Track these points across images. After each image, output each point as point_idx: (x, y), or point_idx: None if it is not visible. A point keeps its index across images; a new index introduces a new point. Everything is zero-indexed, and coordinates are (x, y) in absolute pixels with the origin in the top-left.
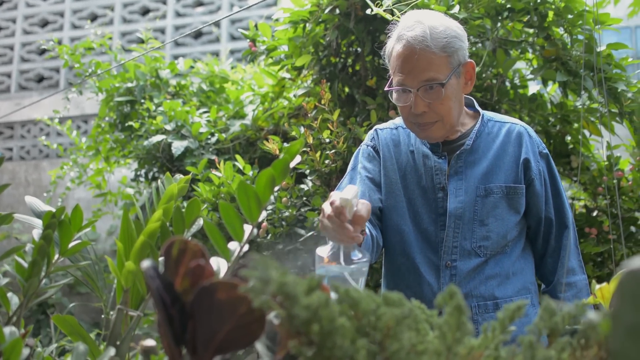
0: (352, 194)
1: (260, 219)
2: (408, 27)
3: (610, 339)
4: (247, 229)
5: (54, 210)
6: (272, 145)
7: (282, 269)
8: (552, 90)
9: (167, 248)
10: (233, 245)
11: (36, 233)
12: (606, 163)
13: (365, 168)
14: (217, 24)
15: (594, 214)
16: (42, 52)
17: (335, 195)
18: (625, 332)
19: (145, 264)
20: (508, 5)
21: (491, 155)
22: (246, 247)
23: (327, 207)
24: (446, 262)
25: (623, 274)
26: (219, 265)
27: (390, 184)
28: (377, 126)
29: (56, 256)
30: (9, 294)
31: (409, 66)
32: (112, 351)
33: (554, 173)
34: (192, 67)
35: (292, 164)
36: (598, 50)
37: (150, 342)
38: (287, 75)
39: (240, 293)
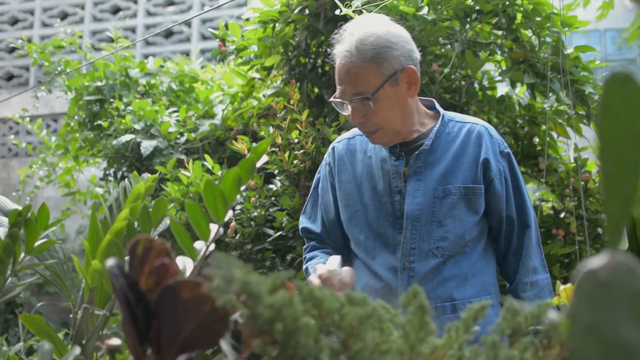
0: (336, 264)
1: (226, 219)
2: (341, 40)
3: (569, 338)
4: (214, 228)
5: (20, 208)
6: (241, 145)
7: (245, 268)
8: (521, 92)
9: (132, 247)
10: (199, 245)
11: (2, 231)
12: (573, 165)
13: (323, 188)
14: (187, 23)
15: (562, 215)
16: (12, 50)
17: (322, 268)
18: (583, 331)
19: (110, 262)
20: (477, 7)
21: (450, 155)
22: (212, 246)
23: (314, 279)
24: (404, 264)
25: (581, 274)
26: (185, 264)
27: (346, 197)
28: (334, 141)
29: (22, 255)
30: None
31: (340, 80)
32: (77, 350)
33: (515, 172)
34: (161, 66)
35: (258, 164)
36: (566, 52)
37: (115, 341)
38: (257, 75)
39: (204, 292)
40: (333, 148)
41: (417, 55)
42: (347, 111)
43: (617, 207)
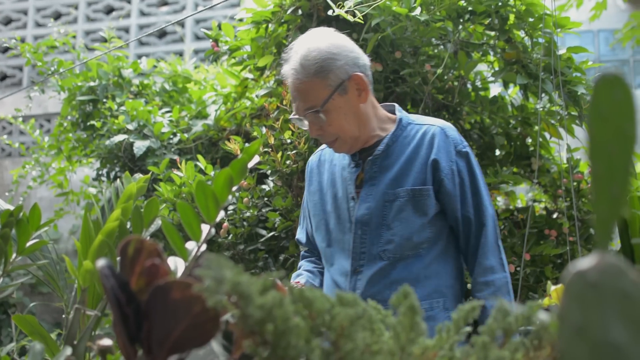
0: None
1: (218, 219)
2: (287, 59)
3: (558, 339)
4: (205, 228)
5: (12, 208)
6: (234, 145)
7: (236, 268)
8: (513, 93)
9: (123, 247)
10: (191, 245)
11: None
12: (566, 165)
13: (305, 201)
14: (181, 23)
15: (554, 216)
16: (5, 50)
17: None
18: (572, 332)
19: (100, 263)
20: (469, 8)
21: (403, 159)
22: (204, 247)
23: None
24: (355, 268)
25: (570, 275)
26: (177, 264)
27: (314, 207)
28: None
29: (14, 255)
30: None
31: (293, 97)
32: (68, 350)
33: (473, 171)
34: (155, 66)
35: (250, 164)
36: (558, 53)
37: (106, 342)
38: (250, 76)
39: (195, 292)
40: (308, 163)
41: (364, 61)
42: (305, 126)
43: (607, 207)
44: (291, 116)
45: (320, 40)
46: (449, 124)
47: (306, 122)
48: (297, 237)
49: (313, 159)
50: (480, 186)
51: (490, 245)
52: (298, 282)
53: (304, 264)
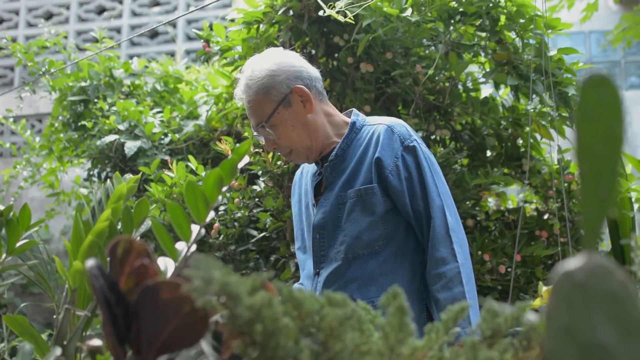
0: None
1: (208, 220)
2: (238, 82)
3: (545, 338)
4: (195, 229)
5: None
6: (225, 146)
7: (224, 268)
8: (504, 94)
9: (112, 247)
10: (181, 246)
11: None
12: (557, 166)
13: None
14: (173, 24)
15: (545, 216)
16: None
17: None
18: (559, 333)
19: (90, 263)
20: (460, 9)
21: (354, 160)
22: (194, 247)
23: None
24: (316, 271)
25: (558, 275)
26: (167, 265)
27: (295, 218)
28: None
29: (4, 255)
30: None
31: (248, 116)
32: (58, 351)
33: (421, 164)
34: (146, 67)
35: (240, 165)
36: (549, 54)
37: (96, 342)
38: None
39: (184, 293)
40: (295, 176)
41: (310, 73)
42: (263, 142)
43: (594, 208)
44: (254, 134)
45: (263, 61)
46: (399, 121)
47: (262, 138)
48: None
49: (298, 172)
50: (427, 179)
51: (439, 236)
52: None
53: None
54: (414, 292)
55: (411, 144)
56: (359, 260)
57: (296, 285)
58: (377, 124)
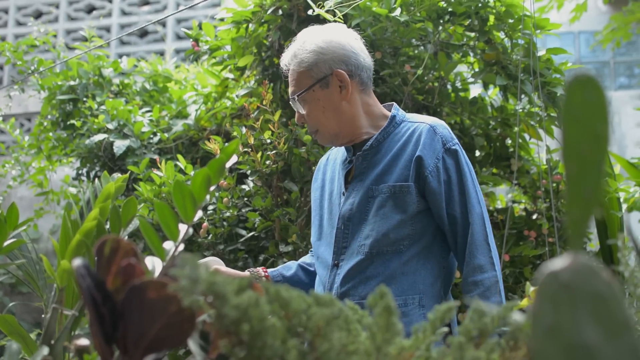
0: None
1: (196, 219)
2: (289, 47)
3: (530, 338)
4: (183, 228)
5: None
6: (214, 145)
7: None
8: (493, 94)
9: (99, 247)
10: (168, 245)
11: None
12: (545, 167)
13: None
14: (162, 23)
15: (534, 217)
16: None
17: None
18: (544, 333)
19: (76, 262)
20: (449, 9)
21: (390, 155)
22: (181, 247)
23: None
24: (335, 262)
25: (543, 275)
26: (155, 264)
27: (314, 202)
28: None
29: None
30: None
31: (288, 82)
32: (45, 350)
33: (461, 169)
34: (135, 66)
35: (228, 164)
36: (538, 54)
37: (83, 342)
38: (230, 76)
39: (170, 292)
40: (320, 161)
41: (359, 60)
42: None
43: (579, 208)
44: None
45: (318, 35)
46: (441, 122)
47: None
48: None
49: (323, 158)
50: (468, 184)
51: (478, 243)
52: (264, 269)
53: (306, 257)
54: (434, 295)
55: (453, 147)
56: (382, 257)
57: (293, 268)
58: (418, 122)
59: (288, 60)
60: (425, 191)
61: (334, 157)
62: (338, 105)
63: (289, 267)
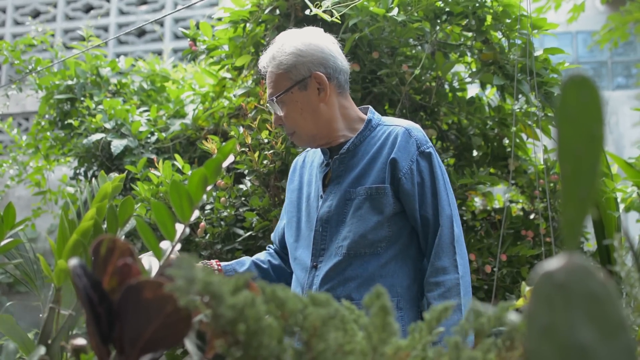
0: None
1: (193, 219)
2: (267, 49)
3: (526, 338)
4: (180, 228)
5: None
6: (211, 145)
7: (207, 268)
8: (491, 94)
9: (96, 247)
10: (165, 245)
11: None
12: (542, 166)
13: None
14: (160, 22)
15: (531, 216)
16: None
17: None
18: (539, 333)
19: (73, 262)
20: (447, 9)
21: (367, 158)
22: (178, 246)
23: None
24: (314, 264)
25: (538, 276)
26: (151, 264)
27: (289, 204)
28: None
29: None
30: None
31: (267, 85)
32: (42, 350)
33: (435, 172)
34: (133, 65)
35: (225, 164)
36: (535, 54)
37: (80, 341)
38: (228, 75)
39: (167, 292)
40: (294, 161)
41: (337, 63)
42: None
43: (574, 209)
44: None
45: (296, 37)
46: (416, 125)
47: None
48: (272, 235)
49: (299, 158)
50: (439, 187)
51: (444, 246)
52: (218, 262)
53: (261, 253)
54: (411, 298)
55: (427, 150)
56: (360, 259)
57: (261, 255)
58: (394, 125)
59: (266, 62)
60: (400, 193)
61: (311, 160)
62: (316, 107)
63: (243, 263)
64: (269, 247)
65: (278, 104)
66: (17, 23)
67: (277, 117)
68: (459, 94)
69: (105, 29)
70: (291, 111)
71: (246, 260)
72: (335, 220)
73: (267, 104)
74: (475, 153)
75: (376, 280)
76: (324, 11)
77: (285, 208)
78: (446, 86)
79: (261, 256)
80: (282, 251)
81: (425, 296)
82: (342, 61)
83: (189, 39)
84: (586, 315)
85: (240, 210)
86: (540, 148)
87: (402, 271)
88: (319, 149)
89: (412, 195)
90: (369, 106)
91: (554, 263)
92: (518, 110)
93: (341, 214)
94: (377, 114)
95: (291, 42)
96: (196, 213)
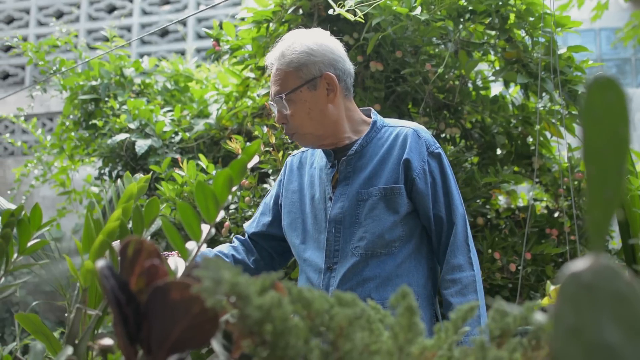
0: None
1: (218, 219)
2: (274, 47)
3: (552, 340)
4: (205, 228)
5: (14, 208)
6: (235, 144)
7: (234, 269)
8: (514, 92)
9: (123, 248)
10: (191, 245)
11: None
12: (567, 164)
13: (270, 194)
14: (183, 22)
15: (555, 215)
16: (7, 49)
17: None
18: (566, 333)
19: (100, 263)
20: (470, 8)
21: (377, 159)
22: (204, 247)
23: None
24: (328, 265)
25: (565, 276)
26: (177, 265)
27: (290, 204)
28: (290, 154)
29: (15, 255)
30: None
31: (271, 81)
32: (69, 350)
33: (445, 172)
34: (156, 65)
35: (250, 164)
36: (558, 52)
37: (107, 341)
38: (251, 75)
39: (194, 293)
40: (287, 161)
41: (345, 66)
42: (276, 112)
43: (600, 209)
44: (270, 101)
45: (306, 37)
46: (421, 127)
47: (276, 109)
48: (245, 226)
49: (293, 159)
50: (451, 186)
51: (459, 243)
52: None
53: (224, 246)
54: (426, 297)
55: (436, 151)
56: (376, 259)
57: (223, 248)
58: (400, 127)
59: (274, 59)
60: (413, 193)
61: (310, 161)
62: (324, 107)
63: (205, 255)
64: (236, 238)
65: (286, 102)
66: (40, 24)
67: (281, 115)
68: (483, 92)
69: (129, 29)
70: (299, 110)
71: (208, 253)
72: (348, 222)
73: (270, 102)
74: (499, 151)
75: (393, 279)
76: (347, 10)
77: (280, 206)
78: (469, 85)
79: (224, 249)
80: (258, 243)
81: (441, 293)
82: (349, 65)
83: (212, 39)
84: (613, 315)
85: None
86: (564, 146)
87: (417, 270)
88: (317, 151)
89: (425, 195)
90: (371, 108)
91: (580, 264)
92: (542, 108)
93: (354, 215)
94: (380, 116)
95: (302, 40)
96: (222, 213)
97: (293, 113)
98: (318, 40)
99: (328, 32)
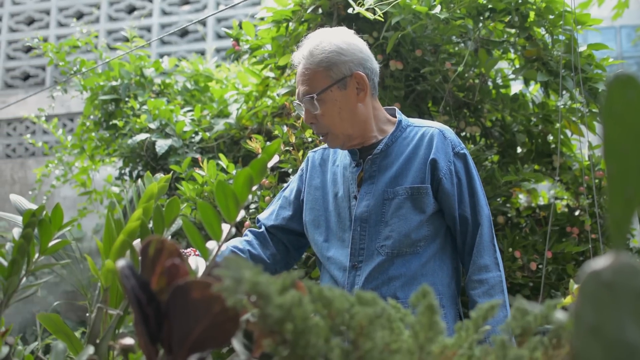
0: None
1: (239, 218)
2: (301, 46)
3: (573, 339)
4: (226, 228)
5: (35, 208)
6: (255, 144)
7: (255, 268)
8: (534, 90)
9: (144, 247)
10: (212, 245)
11: (16, 232)
12: (587, 163)
13: (290, 188)
14: (202, 22)
15: (576, 213)
16: (28, 49)
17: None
18: (586, 332)
19: (121, 263)
20: (489, 6)
21: (402, 158)
22: (224, 247)
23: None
24: (353, 264)
25: (585, 274)
26: (198, 264)
27: (313, 201)
28: (311, 150)
29: (36, 255)
30: None
31: (297, 82)
32: (90, 349)
33: (470, 172)
34: (176, 65)
35: (270, 164)
36: (579, 50)
37: (128, 341)
38: (271, 75)
39: (214, 292)
40: (308, 157)
41: (373, 65)
42: (302, 112)
43: (620, 208)
44: (295, 101)
45: (334, 35)
46: (447, 127)
47: (303, 108)
48: (260, 217)
49: (315, 155)
50: (477, 187)
51: (485, 244)
52: (195, 251)
53: (237, 240)
54: (451, 296)
55: (461, 151)
56: (402, 258)
57: (236, 242)
58: (426, 127)
59: (301, 58)
60: (439, 192)
61: (332, 159)
62: (354, 107)
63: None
64: (248, 232)
65: (316, 102)
66: (61, 25)
67: (310, 115)
68: (503, 90)
69: (148, 29)
70: (329, 110)
71: (224, 249)
72: (374, 220)
73: (297, 102)
74: (519, 150)
75: (419, 279)
76: (367, 9)
77: (303, 201)
78: (489, 83)
79: (239, 244)
80: (276, 235)
81: (468, 294)
82: (376, 64)
83: (231, 39)
84: (634, 313)
85: None
86: (584, 144)
87: (441, 270)
88: (333, 150)
89: (451, 195)
90: (395, 107)
91: (600, 262)
92: (562, 106)
93: (379, 214)
94: (404, 115)
95: (330, 39)
96: (242, 213)
97: (323, 113)
98: (346, 39)
99: (353, 31)
